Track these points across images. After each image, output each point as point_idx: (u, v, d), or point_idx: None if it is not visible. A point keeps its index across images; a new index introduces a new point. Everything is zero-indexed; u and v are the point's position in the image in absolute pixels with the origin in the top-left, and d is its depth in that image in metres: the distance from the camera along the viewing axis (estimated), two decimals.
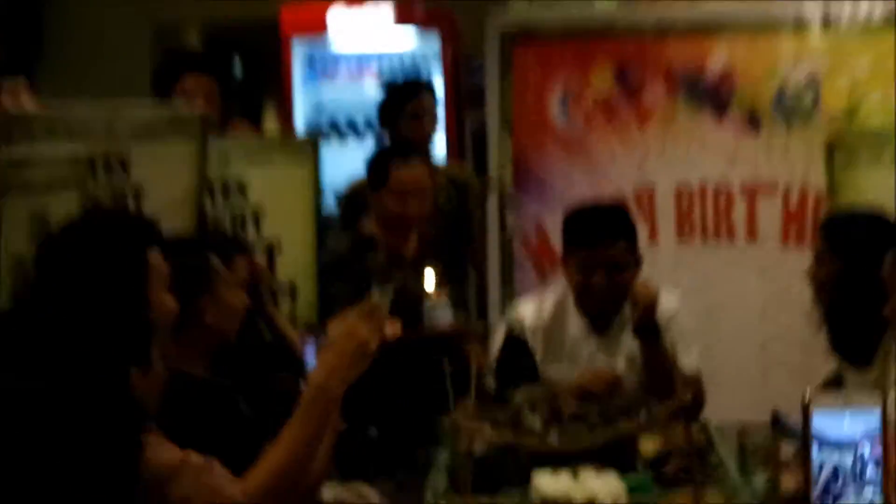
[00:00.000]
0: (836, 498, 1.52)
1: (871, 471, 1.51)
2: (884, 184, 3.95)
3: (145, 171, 3.51)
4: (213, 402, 2.96)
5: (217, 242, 3.24)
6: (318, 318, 4.94)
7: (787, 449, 2.79)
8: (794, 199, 4.67)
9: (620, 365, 3.79)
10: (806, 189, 4.67)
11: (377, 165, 4.43)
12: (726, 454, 3.22)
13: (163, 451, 2.34)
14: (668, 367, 3.41)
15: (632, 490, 2.89)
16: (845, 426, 1.53)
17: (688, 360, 3.73)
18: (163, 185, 3.73)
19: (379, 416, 3.86)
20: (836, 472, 1.53)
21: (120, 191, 3.39)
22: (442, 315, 3.66)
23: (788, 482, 2.75)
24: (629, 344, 3.77)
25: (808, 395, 1.55)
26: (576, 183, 4.94)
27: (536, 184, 5.02)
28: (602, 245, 3.74)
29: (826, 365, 3.74)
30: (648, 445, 3.16)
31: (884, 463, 1.54)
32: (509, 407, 2.96)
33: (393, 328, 2.70)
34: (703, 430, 3.45)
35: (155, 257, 2.52)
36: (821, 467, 1.53)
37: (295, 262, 4.97)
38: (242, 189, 4.54)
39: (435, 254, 4.46)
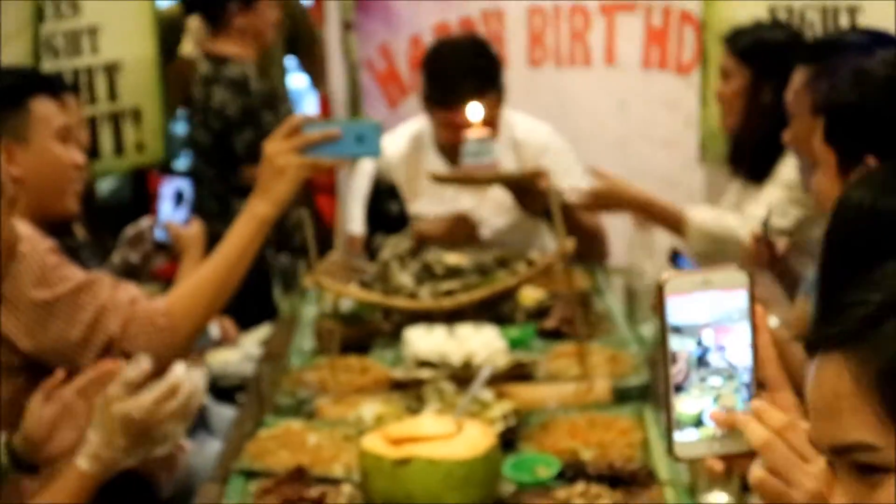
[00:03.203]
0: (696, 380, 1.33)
1: (716, 358, 1.32)
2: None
3: None
4: None
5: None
6: (164, 146, 4.68)
7: None
8: (657, 18, 4.37)
9: (487, 203, 3.56)
10: (669, 8, 4.37)
11: None
12: (614, 302, 3.03)
13: (73, 269, 2.37)
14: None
15: (512, 345, 2.68)
16: (702, 309, 1.33)
17: (573, 180, 3.53)
18: None
19: None
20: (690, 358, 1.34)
21: None
22: (486, 155, 3.29)
23: None
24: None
25: (663, 277, 1.33)
26: (422, 3, 4.59)
27: (380, 5, 4.66)
28: (467, 104, 3.43)
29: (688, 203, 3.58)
30: (529, 296, 2.95)
31: (754, 344, 1.35)
32: (377, 261, 2.69)
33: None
34: (589, 275, 3.26)
35: (42, 105, 2.56)
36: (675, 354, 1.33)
37: (137, 83, 4.67)
38: (76, 7, 4.32)
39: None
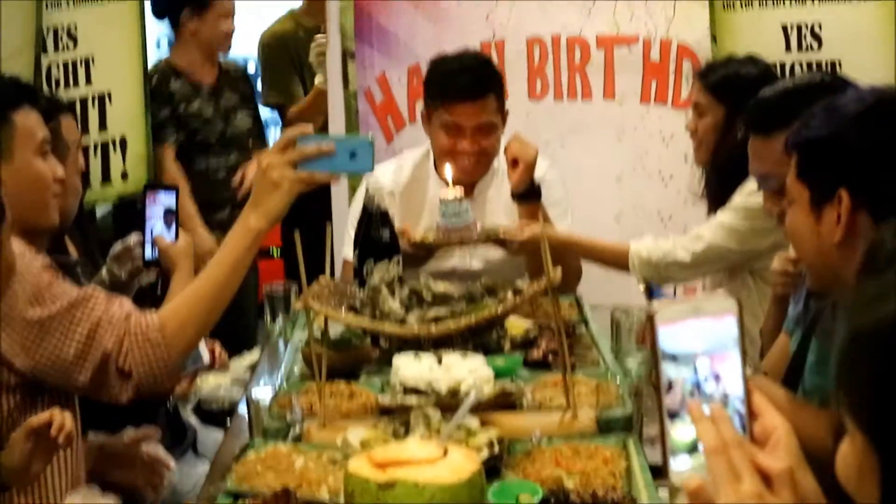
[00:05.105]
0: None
1: (711, 386, 1.34)
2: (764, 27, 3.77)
3: None
4: None
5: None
6: (149, 173, 4.72)
7: None
8: (656, 51, 4.42)
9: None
10: (668, 42, 4.42)
11: None
12: (600, 334, 3.06)
13: (67, 286, 2.39)
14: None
15: (499, 374, 2.70)
16: (694, 337, 1.35)
17: (563, 226, 3.56)
18: None
19: None
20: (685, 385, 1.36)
21: None
22: (463, 216, 3.31)
23: None
24: (494, 210, 3.57)
25: (653, 307, 1.35)
26: (420, 34, 4.63)
27: (379, 35, 4.69)
28: (471, 103, 3.50)
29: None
30: (517, 326, 2.98)
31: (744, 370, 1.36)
32: (367, 287, 2.71)
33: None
34: (575, 307, 3.29)
35: (25, 118, 2.53)
36: (670, 382, 1.35)
37: (125, 114, 4.71)
38: (72, 35, 4.44)
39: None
